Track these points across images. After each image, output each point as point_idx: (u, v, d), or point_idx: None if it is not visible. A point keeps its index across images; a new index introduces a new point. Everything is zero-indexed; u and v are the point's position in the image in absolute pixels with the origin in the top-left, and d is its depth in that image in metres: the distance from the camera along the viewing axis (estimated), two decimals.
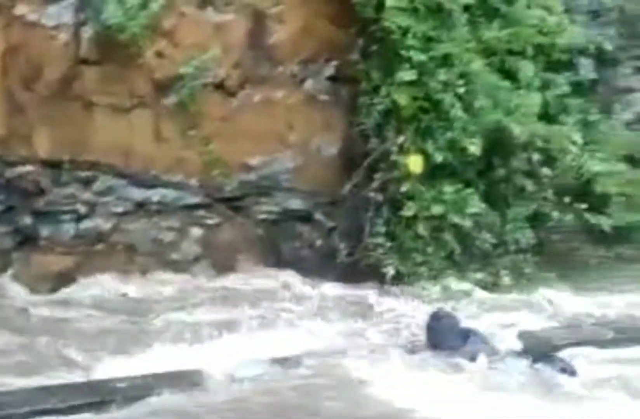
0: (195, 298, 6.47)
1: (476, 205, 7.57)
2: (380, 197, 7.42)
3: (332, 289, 6.98)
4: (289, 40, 7.57)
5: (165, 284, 6.68)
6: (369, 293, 6.92)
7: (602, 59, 8.88)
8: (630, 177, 8.46)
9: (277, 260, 7.40)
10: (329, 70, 7.67)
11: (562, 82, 8.28)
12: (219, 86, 7.35)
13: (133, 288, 6.57)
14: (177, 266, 7.06)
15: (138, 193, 7.08)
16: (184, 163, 7.19)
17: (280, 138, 7.47)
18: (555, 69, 8.24)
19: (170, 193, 7.16)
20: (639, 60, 9.05)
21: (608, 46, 8.87)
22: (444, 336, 5.49)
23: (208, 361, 5.06)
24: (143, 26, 6.99)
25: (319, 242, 7.52)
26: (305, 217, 7.55)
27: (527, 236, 7.80)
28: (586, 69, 8.75)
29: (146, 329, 5.86)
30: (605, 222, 8.12)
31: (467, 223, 7.49)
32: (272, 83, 7.53)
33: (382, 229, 7.40)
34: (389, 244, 7.36)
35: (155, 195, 7.12)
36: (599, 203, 8.24)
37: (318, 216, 7.56)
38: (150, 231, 7.08)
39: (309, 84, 7.64)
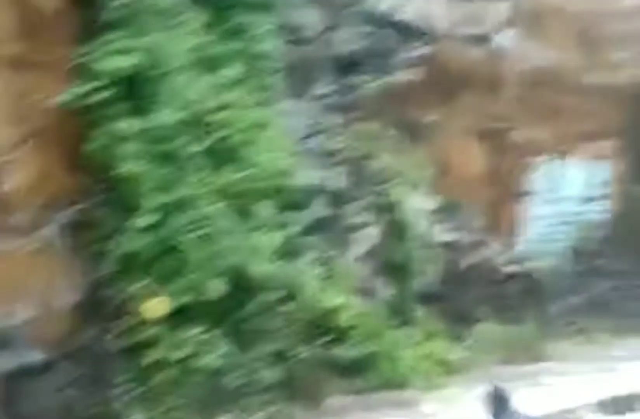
0: None
1: (221, 346, 7.67)
2: (121, 345, 7.36)
3: None
4: (24, 187, 7.48)
5: None
6: None
7: (335, 197, 9.39)
8: (363, 309, 8.90)
9: (15, 415, 7.11)
10: (66, 216, 7.64)
11: (298, 220, 8.68)
12: None
13: None
14: None
15: None
16: None
17: (17, 289, 7.28)
18: (290, 209, 8.62)
19: None
20: (368, 197, 9.63)
21: (339, 185, 9.43)
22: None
23: None
24: None
25: (59, 395, 7.31)
26: (44, 369, 7.32)
27: (273, 373, 7.97)
28: (320, 207, 9.21)
29: None
30: (345, 354, 8.48)
31: (214, 364, 7.55)
32: (8, 232, 7.37)
33: (125, 377, 7.32)
34: (133, 392, 7.28)
35: None
36: (339, 336, 8.59)
37: (58, 367, 7.36)
38: None
39: (46, 231, 7.56)
